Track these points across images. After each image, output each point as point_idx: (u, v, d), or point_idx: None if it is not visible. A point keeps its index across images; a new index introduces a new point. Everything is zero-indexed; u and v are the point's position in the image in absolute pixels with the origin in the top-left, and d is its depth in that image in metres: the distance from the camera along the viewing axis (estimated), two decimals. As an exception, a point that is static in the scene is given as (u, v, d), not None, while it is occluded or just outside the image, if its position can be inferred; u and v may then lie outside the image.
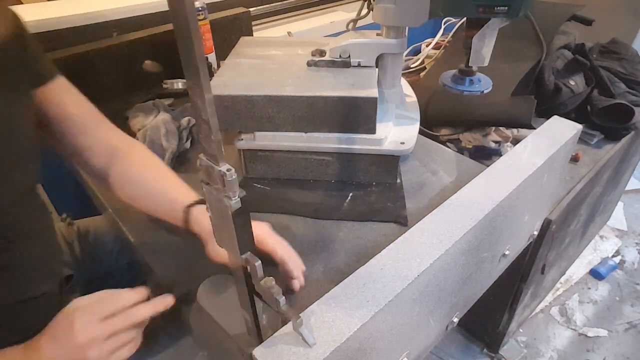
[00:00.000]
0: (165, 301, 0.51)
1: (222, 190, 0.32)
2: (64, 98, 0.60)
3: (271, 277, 0.37)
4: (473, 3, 0.61)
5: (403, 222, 0.64)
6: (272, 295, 0.36)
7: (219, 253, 0.52)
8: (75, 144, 0.61)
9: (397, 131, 0.71)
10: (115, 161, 0.61)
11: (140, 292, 0.51)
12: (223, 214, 0.33)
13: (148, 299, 0.51)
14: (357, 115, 0.64)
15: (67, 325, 0.46)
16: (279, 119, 0.65)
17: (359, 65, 0.72)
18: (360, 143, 0.67)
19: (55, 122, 0.58)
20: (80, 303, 0.49)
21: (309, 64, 0.72)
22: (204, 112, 0.28)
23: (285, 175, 0.73)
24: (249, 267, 0.37)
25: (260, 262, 0.36)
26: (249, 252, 0.36)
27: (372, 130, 0.66)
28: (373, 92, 0.63)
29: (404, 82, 0.84)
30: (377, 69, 0.73)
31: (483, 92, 0.75)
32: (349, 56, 0.71)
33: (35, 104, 0.55)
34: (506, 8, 0.60)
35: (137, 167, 0.62)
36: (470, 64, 0.71)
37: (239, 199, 0.32)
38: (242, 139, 0.69)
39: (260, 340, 0.43)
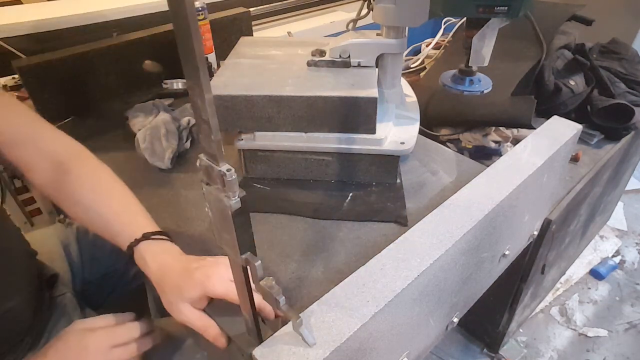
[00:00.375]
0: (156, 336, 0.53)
1: (222, 190, 0.32)
2: None
3: (271, 277, 0.37)
4: (473, 3, 0.61)
5: (403, 222, 0.64)
6: (272, 295, 0.36)
7: (173, 309, 0.48)
8: (11, 158, 0.56)
9: (397, 131, 0.71)
10: (59, 178, 0.56)
11: (147, 323, 0.53)
12: (223, 214, 0.33)
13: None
14: (357, 115, 0.64)
15: (81, 348, 0.48)
16: (279, 119, 0.65)
17: (359, 65, 0.72)
18: (360, 143, 0.67)
19: None
20: (88, 325, 0.50)
21: (309, 64, 0.72)
22: (204, 112, 0.28)
23: (285, 175, 0.73)
24: (249, 267, 0.37)
25: (260, 262, 0.36)
26: (249, 252, 0.36)
27: (372, 130, 0.66)
28: (373, 92, 0.63)
29: (404, 82, 0.84)
30: (377, 69, 0.73)
31: (483, 92, 0.75)
32: (349, 56, 0.71)
33: None
34: (506, 8, 0.60)
35: (83, 187, 0.57)
36: (470, 64, 0.71)
37: (239, 199, 0.32)
38: (242, 139, 0.69)
39: (260, 340, 0.43)
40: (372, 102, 0.63)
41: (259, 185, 0.72)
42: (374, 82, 0.67)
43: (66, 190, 0.56)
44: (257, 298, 0.41)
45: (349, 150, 0.68)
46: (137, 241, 0.52)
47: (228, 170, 0.30)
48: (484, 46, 0.67)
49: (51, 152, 0.57)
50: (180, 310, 0.47)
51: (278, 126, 0.66)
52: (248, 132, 0.68)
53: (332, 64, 0.72)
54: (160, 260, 0.51)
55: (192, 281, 0.47)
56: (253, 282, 0.38)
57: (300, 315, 0.37)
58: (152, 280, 0.51)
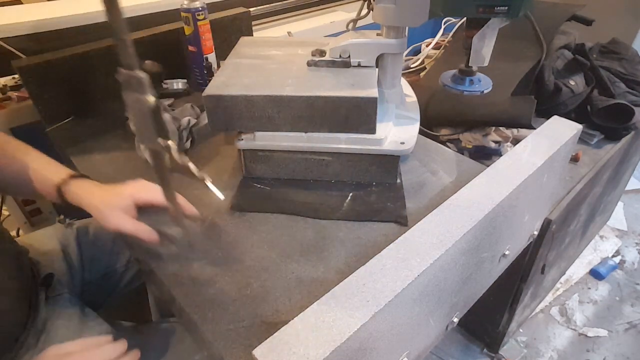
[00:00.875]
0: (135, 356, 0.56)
1: (140, 92, 0.40)
2: None
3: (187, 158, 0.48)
4: (473, 3, 0.61)
5: (403, 222, 0.64)
6: (187, 164, 0.48)
7: (108, 219, 0.57)
8: None
9: (397, 131, 0.71)
10: None
11: (122, 345, 0.56)
12: (142, 112, 0.42)
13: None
14: (357, 115, 0.64)
15: None
16: (279, 119, 0.65)
17: (359, 65, 0.72)
18: (360, 143, 0.67)
19: None
20: (63, 350, 0.53)
21: (309, 64, 0.72)
22: (122, 33, 0.37)
23: (285, 175, 0.73)
24: (170, 149, 0.45)
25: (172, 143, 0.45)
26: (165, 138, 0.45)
27: (372, 130, 0.66)
28: (373, 92, 0.63)
29: (404, 82, 0.84)
30: (377, 69, 0.73)
31: (483, 92, 0.75)
32: (349, 56, 0.71)
33: None
34: (506, 8, 0.60)
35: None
36: (470, 64, 0.71)
37: (153, 97, 0.41)
38: (242, 139, 0.69)
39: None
40: (372, 102, 0.63)
41: (259, 185, 0.72)
42: (374, 82, 0.67)
43: None
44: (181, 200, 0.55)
45: (349, 150, 0.68)
46: (65, 180, 0.59)
47: (143, 74, 0.39)
48: (484, 46, 0.68)
49: None
50: (115, 217, 0.56)
51: (278, 126, 0.66)
52: (248, 132, 0.68)
53: (332, 64, 0.72)
54: (92, 190, 0.60)
55: (123, 194, 0.59)
56: (173, 159, 0.46)
57: (205, 175, 0.50)
58: (88, 207, 0.58)
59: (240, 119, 0.65)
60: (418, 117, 0.77)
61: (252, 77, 0.68)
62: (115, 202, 0.58)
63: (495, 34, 0.67)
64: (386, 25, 0.69)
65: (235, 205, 0.68)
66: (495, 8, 0.61)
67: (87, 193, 0.59)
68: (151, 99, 0.41)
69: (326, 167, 0.71)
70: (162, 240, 0.58)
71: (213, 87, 0.65)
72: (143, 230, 0.57)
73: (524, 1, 0.60)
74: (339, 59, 0.71)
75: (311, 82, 0.67)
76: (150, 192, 0.60)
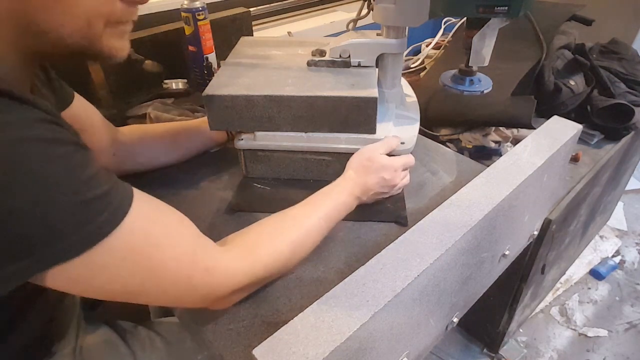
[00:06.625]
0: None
1: None
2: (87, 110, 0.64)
3: None
4: (473, 3, 0.61)
5: (403, 222, 0.64)
6: None
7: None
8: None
9: (397, 131, 0.71)
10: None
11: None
12: None
13: None
14: (357, 115, 0.64)
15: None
16: (279, 119, 0.65)
17: (359, 65, 0.72)
18: (360, 143, 0.67)
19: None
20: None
21: (309, 64, 0.72)
22: None
23: (285, 175, 0.73)
24: None
25: None
26: None
27: (372, 130, 0.66)
28: (373, 92, 0.63)
29: (404, 82, 0.84)
30: (377, 69, 0.73)
31: (483, 92, 0.75)
32: (349, 56, 0.71)
33: None
34: (506, 8, 0.60)
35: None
36: (470, 64, 0.71)
37: None
38: (242, 139, 0.69)
39: None
40: (372, 102, 0.63)
41: (259, 185, 0.72)
42: (374, 82, 0.67)
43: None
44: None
45: (349, 150, 0.68)
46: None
47: None
48: (484, 46, 0.67)
49: (112, 131, 0.72)
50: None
51: (278, 126, 0.66)
52: (248, 132, 0.68)
53: (332, 63, 0.72)
54: None
55: None
56: None
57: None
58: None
59: (241, 118, 0.65)
60: (418, 117, 0.77)
61: (252, 77, 0.68)
62: None
63: (495, 34, 0.67)
64: (386, 25, 0.69)
65: (235, 205, 0.68)
66: (496, 8, 0.60)
67: None
68: None
69: (326, 167, 0.71)
70: None
71: (213, 87, 0.64)
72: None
73: (524, 1, 0.59)
74: (339, 59, 0.71)
75: (311, 82, 0.67)
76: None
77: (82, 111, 0.62)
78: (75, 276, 0.35)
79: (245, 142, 0.69)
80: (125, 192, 0.37)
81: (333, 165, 0.71)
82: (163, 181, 0.74)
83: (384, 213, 0.66)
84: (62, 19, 0.35)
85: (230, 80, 0.67)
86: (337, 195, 0.58)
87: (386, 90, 0.76)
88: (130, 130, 0.72)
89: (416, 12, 0.64)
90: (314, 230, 0.54)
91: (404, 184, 0.67)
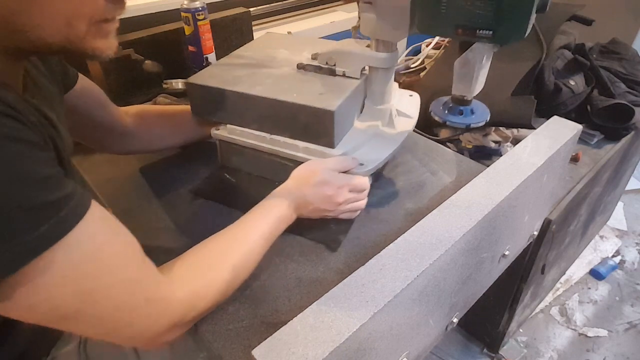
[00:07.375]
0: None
1: None
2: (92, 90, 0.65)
3: None
4: (451, 23, 0.52)
5: (333, 247, 0.60)
6: None
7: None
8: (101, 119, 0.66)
9: (364, 151, 0.66)
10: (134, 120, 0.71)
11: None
12: None
13: None
14: (316, 125, 0.62)
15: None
16: (247, 116, 0.67)
17: (344, 75, 0.68)
18: (317, 155, 0.64)
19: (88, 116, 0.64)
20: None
21: (298, 67, 0.71)
22: None
23: (255, 172, 0.73)
24: None
25: None
26: None
27: (331, 145, 0.63)
28: (332, 105, 0.60)
29: (411, 101, 0.78)
30: (361, 81, 0.68)
31: (469, 125, 0.64)
32: (335, 64, 0.68)
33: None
34: (490, 33, 0.50)
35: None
36: (453, 92, 0.62)
37: None
38: (218, 129, 0.71)
39: None
40: (328, 115, 0.60)
41: (227, 176, 0.73)
42: (345, 94, 0.63)
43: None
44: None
45: (306, 159, 0.64)
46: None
47: None
48: (470, 74, 0.58)
49: (119, 111, 0.72)
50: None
51: (247, 123, 0.68)
52: (223, 123, 0.70)
53: (319, 69, 0.70)
54: None
55: None
56: None
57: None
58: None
59: (216, 109, 0.68)
60: (399, 141, 0.69)
61: (237, 73, 0.69)
62: None
63: (483, 59, 0.57)
64: (372, 37, 0.64)
65: (197, 191, 0.70)
66: (478, 31, 0.51)
67: None
68: None
69: (287, 173, 0.65)
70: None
71: (197, 77, 0.68)
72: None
73: (513, 28, 0.49)
74: (325, 66, 0.69)
75: (285, 85, 0.66)
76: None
77: (87, 90, 0.63)
78: (3, 294, 0.30)
79: (219, 132, 0.71)
80: (79, 202, 0.34)
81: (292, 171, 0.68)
82: (163, 181, 0.75)
83: (321, 231, 0.62)
84: (40, 20, 0.35)
85: (218, 72, 0.69)
86: (277, 209, 0.55)
87: (374, 107, 0.71)
88: (135, 110, 0.73)
89: (395, 26, 0.59)
90: (256, 250, 0.51)
91: (357, 208, 0.62)
